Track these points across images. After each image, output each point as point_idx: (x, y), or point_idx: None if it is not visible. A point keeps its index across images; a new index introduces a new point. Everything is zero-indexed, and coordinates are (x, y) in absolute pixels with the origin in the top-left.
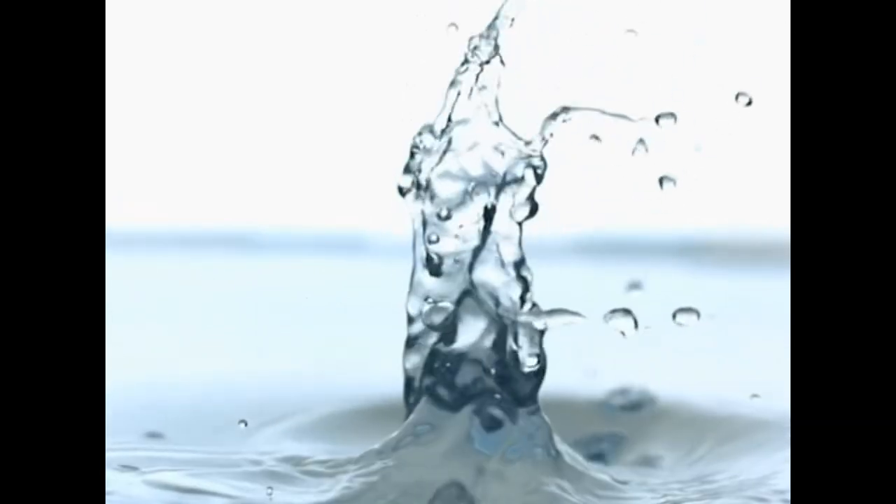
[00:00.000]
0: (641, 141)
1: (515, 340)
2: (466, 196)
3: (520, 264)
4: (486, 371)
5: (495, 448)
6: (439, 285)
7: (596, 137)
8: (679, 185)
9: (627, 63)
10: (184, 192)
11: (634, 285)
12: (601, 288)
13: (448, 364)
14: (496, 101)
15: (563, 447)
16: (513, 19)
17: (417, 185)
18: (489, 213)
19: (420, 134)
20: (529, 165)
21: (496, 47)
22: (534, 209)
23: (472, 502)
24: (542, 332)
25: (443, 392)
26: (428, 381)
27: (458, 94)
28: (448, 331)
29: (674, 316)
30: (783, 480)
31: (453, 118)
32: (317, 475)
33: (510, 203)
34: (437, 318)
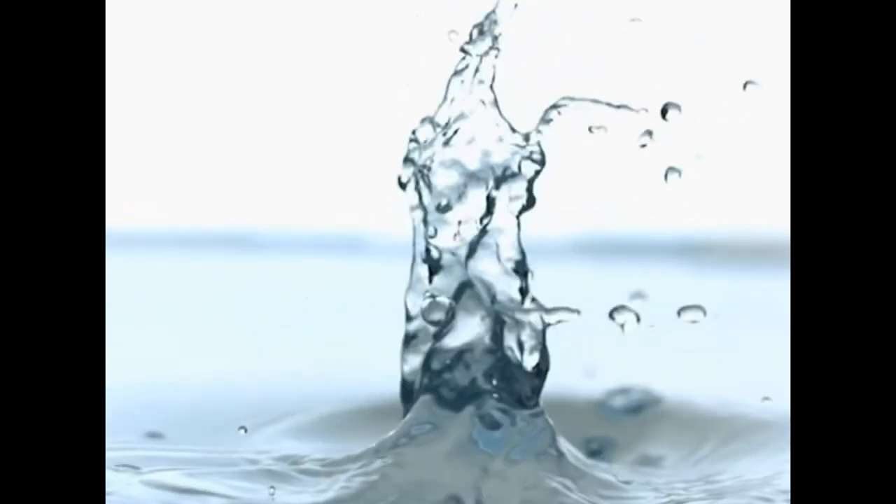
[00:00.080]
0: (648, 132)
1: (516, 338)
2: (466, 187)
3: (518, 260)
4: (486, 371)
5: (497, 448)
6: (438, 280)
7: (600, 127)
8: (681, 182)
9: (627, 62)
10: (184, 192)
11: (637, 295)
12: (601, 288)
13: (447, 361)
14: (494, 95)
15: (566, 447)
16: (515, 5)
17: (418, 176)
18: (489, 205)
19: (421, 123)
20: (528, 158)
21: (495, 38)
22: (531, 201)
23: None
24: (543, 330)
25: (442, 391)
26: (426, 378)
27: (462, 81)
28: (446, 326)
29: (679, 313)
30: (787, 481)
31: (452, 111)
32: (315, 475)
33: (508, 195)
34: (436, 314)
